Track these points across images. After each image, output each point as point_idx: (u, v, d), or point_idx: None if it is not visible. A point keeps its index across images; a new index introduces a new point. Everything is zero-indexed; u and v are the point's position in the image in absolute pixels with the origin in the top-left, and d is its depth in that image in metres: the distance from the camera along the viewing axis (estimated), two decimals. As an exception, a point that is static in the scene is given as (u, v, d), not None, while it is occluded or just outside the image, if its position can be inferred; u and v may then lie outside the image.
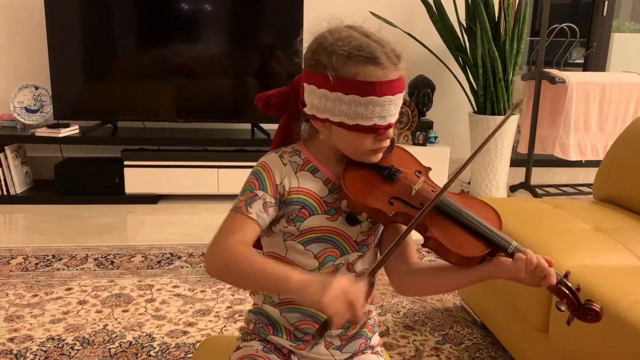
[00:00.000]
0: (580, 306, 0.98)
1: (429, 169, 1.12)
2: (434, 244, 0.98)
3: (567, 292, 0.98)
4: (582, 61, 4.91)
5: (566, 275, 1.00)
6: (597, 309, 0.97)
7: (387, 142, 1.04)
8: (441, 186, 1.00)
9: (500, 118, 3.53)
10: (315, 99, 1.00)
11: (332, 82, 0.97)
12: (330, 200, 1.05)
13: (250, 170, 1.07)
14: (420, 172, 1.10)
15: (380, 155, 1.06)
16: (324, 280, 0.86)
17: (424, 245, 1.00)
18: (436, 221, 1.00)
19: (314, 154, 1.08)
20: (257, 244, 1.12)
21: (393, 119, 1.00)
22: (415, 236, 1.02)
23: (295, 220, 1.03)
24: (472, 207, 1.04)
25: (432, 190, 1.04)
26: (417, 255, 1.11)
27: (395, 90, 0.98)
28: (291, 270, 0.92)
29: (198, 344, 1.61)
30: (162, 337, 1.93)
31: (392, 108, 0.99)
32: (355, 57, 0.96)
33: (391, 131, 1.03)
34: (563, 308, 0.98)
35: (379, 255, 1.13)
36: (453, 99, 3.99)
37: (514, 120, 3.60)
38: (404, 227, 1.02)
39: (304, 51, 1.04)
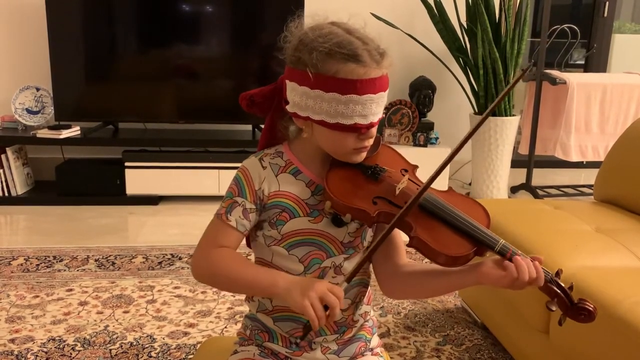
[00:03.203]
0: (572, 305, 0.94)
1: (416, 167, 1.09)
2: (417, 243, 0.95)
3: (558, 290, 0.95)
4: (583, 62, 4.91)
5: (557, 274, 0.97)
6: (590, 308, 0.94)
7: (370, 141, 1.02)
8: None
9: (500, 119, 3.53)
10: (297, 97, 0.98)
11: (312, 80, 0.95)
12: (313, 202, 1.03)
13: None
14: (406, 171, 1.07)
15: (363, 155, 1.03)
16: (304, 285, 0.90)
17: (408, 245, 0.97)
18: (420, 220, 0.97)
19: (297, 155, 1.06)
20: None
21: (375, 117, 0.98)
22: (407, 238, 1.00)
23: (276, 224, 1.02)
24: (459, 204, 1.01)
25: (417, 189, 0.99)
26: (407, 257, 1.09)
27: (377, 89, 0.95)
28: (277, 276, 0.95)
29: (199, 345, 1.61)
30: (163, 338, 1.93)
31: (373, 107, 0.96)
32: (336, 54, 0.93)
33: (374, 130, 1.00)
34: (554, 308, 0.95)
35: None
36: (454, 100, 3.99)
37: (514, 122, 3.60)
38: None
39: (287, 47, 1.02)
